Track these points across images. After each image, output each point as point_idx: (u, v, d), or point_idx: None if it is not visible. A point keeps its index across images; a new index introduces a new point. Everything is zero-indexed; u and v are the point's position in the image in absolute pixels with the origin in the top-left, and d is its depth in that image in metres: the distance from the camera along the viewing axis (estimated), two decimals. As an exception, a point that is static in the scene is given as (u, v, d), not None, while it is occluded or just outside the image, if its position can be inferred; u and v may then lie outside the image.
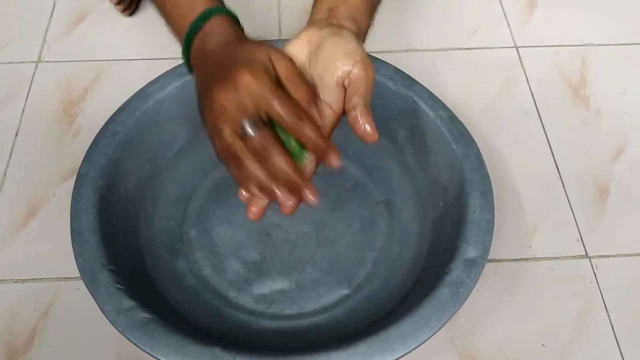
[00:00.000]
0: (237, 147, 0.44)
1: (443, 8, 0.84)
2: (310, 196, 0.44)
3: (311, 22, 0.53)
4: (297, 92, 0.45)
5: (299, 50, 0.49)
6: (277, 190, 0.45)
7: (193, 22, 0.52)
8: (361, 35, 0.52)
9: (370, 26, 0.55)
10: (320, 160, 0.46)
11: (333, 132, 0.49)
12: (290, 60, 0.47)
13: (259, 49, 0.47)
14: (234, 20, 0.54)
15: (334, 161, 0.44)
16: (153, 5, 0.60)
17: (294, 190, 0.45)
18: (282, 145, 0.45)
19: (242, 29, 0.55)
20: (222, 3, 0.55)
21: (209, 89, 0.46)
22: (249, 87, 0.43)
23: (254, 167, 0.44)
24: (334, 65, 0.47)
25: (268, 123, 0.45)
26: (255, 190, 0.46)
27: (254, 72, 0.44)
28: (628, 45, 0.80)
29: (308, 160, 0.47)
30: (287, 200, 0.45)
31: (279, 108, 0.43)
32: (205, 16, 0.52)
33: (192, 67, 0.54)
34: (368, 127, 0.47)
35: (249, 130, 0.43)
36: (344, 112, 0.48)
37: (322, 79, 0.47)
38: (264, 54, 0.46)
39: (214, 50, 0.50)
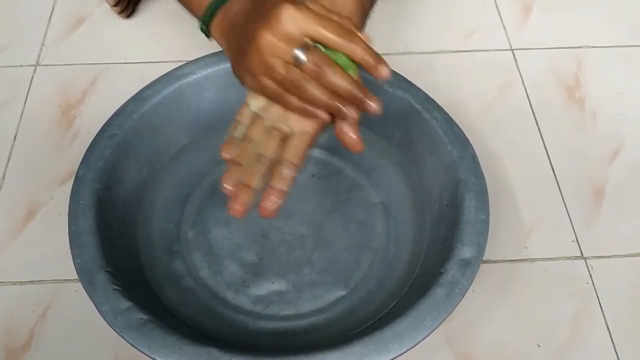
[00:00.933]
0: (294, 75, 0.45)
1: (439, 10, 0.84)
2: (373, 104, 0.45)
3: None
4: (339, 21, 0.46)
5: None
6: (343, 108, 0.45)
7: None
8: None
9: (363, 31, 0.56)
10: (371, 71, 0.46)
11: None
12: (323, 4, 0.47)
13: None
14: None
15: (385, 70, 0.45)
16: None
17: (359, 103, 0.45)
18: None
19: None
20: None
21: (250, 32, 0.46)
22: (294, 16, 0.44)
23: (316, 90, 0.45)
24: None
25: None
26: (322, 114, 0.46)
27: (295, 5, 0.44)
28: (623, 47, 0.81)
29: None
30: (354, 114, 0.46)
31: (326, 29, 0.44)
32: None
33: (218, 33, 0.54)
34: (353, 136, 0.48)
35: (302, 57, 0.44)
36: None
37: None
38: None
39: (245, 10, 0.50)
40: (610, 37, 0.82)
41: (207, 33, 0.55)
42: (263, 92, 0.48)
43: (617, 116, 0.74)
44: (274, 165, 0.49)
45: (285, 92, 0.46)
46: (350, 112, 0.46)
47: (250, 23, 0.47)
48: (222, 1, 0.52)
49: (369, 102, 0.45)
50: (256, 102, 0.50)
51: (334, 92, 0.45)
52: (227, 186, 0.48)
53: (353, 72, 0.46)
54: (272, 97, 0.48)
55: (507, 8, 0.85)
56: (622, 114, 0.74)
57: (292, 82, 0.45)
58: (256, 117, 0.50)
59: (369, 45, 0.46)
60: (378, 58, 0.45)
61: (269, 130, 0.49)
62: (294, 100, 0.46)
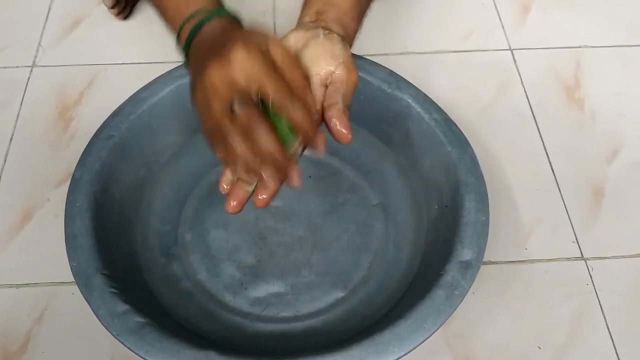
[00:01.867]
0: (225, 123, 0.43)
1: (438, 11, 0.84)
2: (294, 178, 0.43)
3: (299, 24, 0.53)
4: (292, 77, 0.44)
5: None
6: (262, 171, 0.43)
7: (193, 27, 0.51)
8: (348, 39, 0.52)
9: (358, 31, 0.55)
10: (307, 143, 0.45)
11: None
12: (286, 48, 0.46)
13: (256, 33, 0.46)
14: (234, 19, 0.53)
15: (321, 147, 0.44)
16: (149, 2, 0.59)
17: (279, 172, 0.43)
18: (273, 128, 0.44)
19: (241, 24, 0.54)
20: (221, 4, 0.54)
21: (203, 68, 0.45)
22: (243, 62, 0.42)
23: (240, 145, 0.42)
24: (317, 65, 0.47)
25: (260, 105, 0.44)
26: (241, 172, 0.44)
27: (249, 49, 0.43)
28: (622, 47, 0.80)
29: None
30: (272, 182, 0.43)
31: (271, 86, 0.42)
32: (205, 19, 0.51)
33: (189, 62, 0.53)
34: (342, 128, 0.47)
35: (238, 107, 0.42)
36: None
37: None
38: (261, 37, 0.45)
39: (211, 38, 0.50)
40: (609, 37, 0.81)
41: (186, 56, 0.53)
42: (201, 123, 0.46)
43: (617, 116, 0.74)
44: None
45: (215, 134, 0.44)
46: (269, 180, 0.43)
47: (208, 53, 0.46)
48: (199, 25, 0.51)
49: (290, 175, 0.43)
50: None
51: (258, 154, 0.43)
52: (225, 185, 0.48)
53: (291, 139, 0.44)
54: (205, 134, 0.46)
55: (506, 8, 0.85)
56: (622, 114, 0.74)
57: (222, 130, 0.43)
58: None
59: (312, 115, 0.44)
60: (315, 131, 0.44)
61: None
62: (220, 146, 0.44)
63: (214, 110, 0.43)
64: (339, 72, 0.47)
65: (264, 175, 0.43)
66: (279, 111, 0.43)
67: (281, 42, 0.47)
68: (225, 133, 0.43)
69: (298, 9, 0.56)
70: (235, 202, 0.47)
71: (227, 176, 0.48)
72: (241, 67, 0.43)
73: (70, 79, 0.76)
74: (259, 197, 0.45)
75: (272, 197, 0.46)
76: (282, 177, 0.44)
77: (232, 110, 0.42)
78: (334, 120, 0.46)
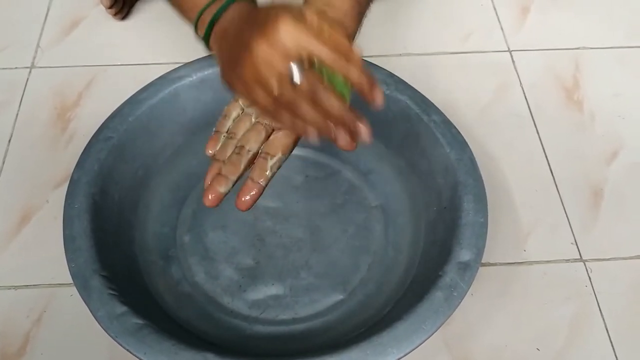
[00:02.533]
0: (288, 92, 0.43)
1: (437, 12, 0.84)
2: (364, 132, 0.44)
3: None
4: (336, 40, 0.44)
5: None
6: (335, 131, 0.43)
7: (215, 12, 0.51)
8: (342, 17, 0.52)
9: (358, 31, 0.55)
10: (364, 96, 0.44)
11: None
12: (320, 16, 0.45)
13: (288, 6, 0.45)
14: (252, 2, 0.53)
15: (379, 97, 0.44)
16: None
17: (349, 128, 0.44)
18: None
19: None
20: None
21: (245, 40, 0.44)
22: (292, 32, 0.42)
23: (309, 110, 0.43)
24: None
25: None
26: (312, 136, 0.45)
27: (294, 18, 0.43)
28: (621, 49, 0.80)
29: None
30: (344, 138, 0.44)
31: (323, 49, 0.43)
32: (227, 4, 0.51)
33: (213, 39, 0.53)
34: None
35: (298, 75, 0.43)
36: None
37: None
38: (295, 9, 0.45)
39: (239, 18, 0.49)
40: (608, 38, 0.81)
41: (207, 43, 0.53)
42: (254, 102, 0.46)
43: (616, 118, 0.74)
44: (255, 158, 0.49)
45: (276, 107, 0.45)
46: (341, 137, 0.44)
47: (245, 31, 0.46)
48: (221, 10, 0.51)
49: (360, 127, 0.44)
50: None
51: (327, 115, 0.43)
52: (207, 181, 0.48)
53: (347, 93, 0.45)
54: (263, 110, 0.46)
55: (505, 9, 0.85)
56: (621, 116, 0.74)
57: (286, 99, 0.43)
58: (243, 112, 0.51)
59: (366, 69, 0.44)
60: (373, 84, 0.44)
61: (254, 125, 0.50)
62: (285, 117, 0.45)
63: (272, 81, 0.43)
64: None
65: (336, 135, 0.44)
66: (335, 69, 0.43)
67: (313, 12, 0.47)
68: (292, 101, 0.43)
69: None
70: (212, 196, 0.48)
71: (211, 172, 0.49)
72: (292, 34, 0.42)
73: (69, 80, 0.76)
74: (242, 199, 0.47)
75: (255, 200, 0.47)
76: (352, 132, 0.44)
77: (291, 78, 0.43)
78: (362, 82, 0.45)
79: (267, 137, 0.49)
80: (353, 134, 0.44)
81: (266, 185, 0.48)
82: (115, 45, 0.79)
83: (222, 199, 0.48)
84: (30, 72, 0.77)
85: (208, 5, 0.52)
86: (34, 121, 0.72)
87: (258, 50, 0.43)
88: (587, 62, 0.79)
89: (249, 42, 0.44)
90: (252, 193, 0.47)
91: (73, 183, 0.55)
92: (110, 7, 0.79)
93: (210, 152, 0.51)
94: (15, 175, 0.67)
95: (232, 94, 0.49)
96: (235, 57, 0.46)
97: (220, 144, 0.51)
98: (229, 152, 0.50)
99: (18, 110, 0.73)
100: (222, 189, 0.48)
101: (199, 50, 0.62)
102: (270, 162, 0.48)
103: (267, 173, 0.48)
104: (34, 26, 0.81)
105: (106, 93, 0.74)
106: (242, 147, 0.49)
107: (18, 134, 0.71)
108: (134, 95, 0.61)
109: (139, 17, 0.82)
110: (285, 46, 0.43)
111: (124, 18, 0.82)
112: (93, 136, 0.58)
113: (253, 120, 0.50)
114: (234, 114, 0.52)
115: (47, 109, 0.73)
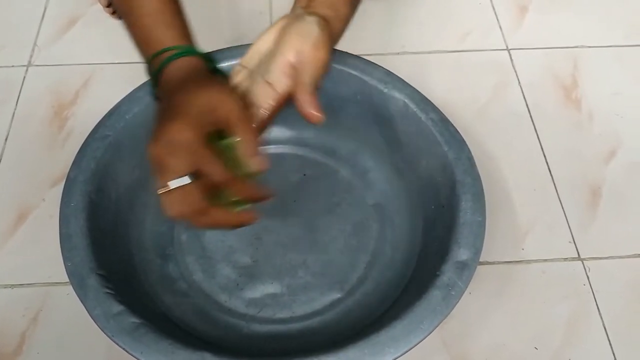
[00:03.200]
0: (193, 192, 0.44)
1: (435, 11, 0.84)
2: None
3: (290, 12, 0.53)
4: (241, 133, 0.45)
5: (268, 38, 0.50)
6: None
7: (162, 63, 0.51)
8: (338, 23, 0.52)
9: (352, 16, 0.55)
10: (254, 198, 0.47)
11: (276, 113, 0.49)
12: (237, 103, 0.47)
13: (204, 95, 0.46)
14: (202, 58, 0.53)
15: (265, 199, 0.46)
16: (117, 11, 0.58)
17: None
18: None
19: (212, 64, 0.54)
20: (190, 41, 0.54)
21: (156, 125, 0.46)
22: (180, 140, 0.43)
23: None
24: (286, 46, 0.48)
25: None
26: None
27: (185, 125, 0.44)
28: (619, 47, 0.80)
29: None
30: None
31: (209, 169, 0.44)
32: (173, 57, 0.51)
33: (158, 91, 0.53)
34: (310, 109, 0.47)
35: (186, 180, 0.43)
36: None
37: (274, 59, 0.48)
38: (205, 100, 0.46)
39: (174, 88, 0.50)
40: (606, 37, 0.81)
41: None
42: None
43: (614, 116, 0.74)
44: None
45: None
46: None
47: (161, 115, 0.47)
48: (164, 64, 0.51)
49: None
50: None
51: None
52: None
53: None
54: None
55: (503, 8, 0.85)
56: (619, 114, 0.74)
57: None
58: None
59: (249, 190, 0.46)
60: (257, 195, 0.46)
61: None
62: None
63: (168, 176, 0.44)
64: (307, 51, 0.47)
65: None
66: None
67: (231, 95, 0.47)
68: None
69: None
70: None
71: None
72: (179, 144, 0.43)
73: (66, 79, 0.75)
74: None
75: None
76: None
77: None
78: (299, 101, 0.47)
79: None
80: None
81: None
82: (112, 43, 0.79)
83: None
84: (27, 70, 0.76)
85: (157, 54, 0.52)
86: (31, 119, 0.72)
87: (161, 140, 0.44)
88: (585, 61, 0.79)
89: (159, 125, 0.45)
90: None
91: (69, 181, 0.55)
92: (108, 6, 0.79)
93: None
94: (12, 174, 0.67)
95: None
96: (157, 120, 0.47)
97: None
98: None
99: (15, 109, 0.72)
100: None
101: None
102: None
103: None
104: (31, 25, 0.81)
105: (103, 91, 0.74)
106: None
107: (15, 133, 0.70)
108: (130, 93, 0.61)
109: (137, 15, 0.82)
110: (177, 154, 0.43)
111: (121, 17, 0.81)
112: (90, 134, 0.58)
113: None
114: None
115: (44, 108, 0.73)
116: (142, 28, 0.54)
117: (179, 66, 0.51)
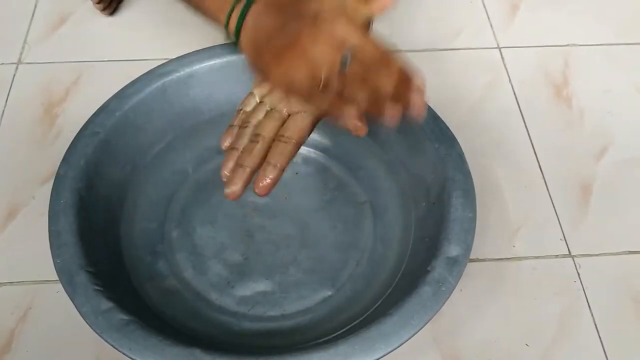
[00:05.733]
0: (337, 80, 0.45)
1: (426, 9, 0.84)
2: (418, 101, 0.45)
3: None
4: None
5: None
6: (385, 105, 0.45)
7: (242, 8, 0.50)
8: None
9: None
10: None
11: None
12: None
13: None
14: None
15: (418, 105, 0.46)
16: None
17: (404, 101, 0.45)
18: None
19: None
20: None
21: (294, 37, 0.46)
22: (344, 28, 0.45)
23: (359, 91, 0.45)
24: None
25: None
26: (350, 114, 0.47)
27: (343, 14, 0.46)
28: (610, 45, 0.81)
29: None
30: (393, 112, 0.46)
31: (370, 48, 0.45)
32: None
33: (246, 37, 0.51)
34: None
35: (348, 62, 0.45)
36: None
37: None
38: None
39: (275, 8, 0.49)
40: (597, 36, 0.82)
41: (237, 38, 0.52)
42: (296, 92, 0.47)
43: (605, 114, 0.74)
44: (272, 142, 0.49)
45: (322, 93, 0.46)
46: (393, 111, 0.45)
47: (290, 23, 0.47)
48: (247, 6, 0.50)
49: (414, 97, 0.45)
50: (261, 90, 0.51)
51: (377, 92, 0.45)
52: (225, 172, 0.48)
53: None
54: (307, 98, 0.47)
55: (495, 6, 0.85)
56: (610, 112, 0.74)
57: (333, 86, 0.45)
58: (258, 104, 0.51)
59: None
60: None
61: (269, 113, 0.50)
62: (335, 103, 0.46)
63: (327, 71, 0.45)
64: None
65: (389, 111, 0.45)
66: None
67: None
68: (339, 88, 0.45)
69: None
70: (234, 188, 0.47)
71: (228, 161, 0.49)
72: (343, 32, 0.45)
73: (56, 76, 0.75)
74: (261, 183, 0.47)
75: (274, 183, 0.48)
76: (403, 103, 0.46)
77: (342, 67, 0.45)
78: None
79: (283, 122, 0.49)
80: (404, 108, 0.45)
81: (284, 168, 0.48)
82: (103, 41, 0.79)
83: (244, 191, 0.48)
84: (17, 68, 0.76)
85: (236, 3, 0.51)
86: (21, 117, 0.71)
87: (311, 43, 0.45)
88: (576, 59, 0.79)
89: (299, 35, 0.45)
90: (271, 176, 0.48)
91: (59, 178, 0.55)
92: (99, 3, 0.78)
93: (226, 144, 0.50)
94: (1, 171, 0.67)
95: (266, 82, 0.50)
96: (279, 49, 0.47)
97: (234, 134, 0.51)
98: (245, 141, 0.50)
99: (4, 106, 0.72)
100: (241, 180, 0.48)
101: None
102: (289, 146, 0.48)
103: (285, 156, 0.48)
104: (21, 22, 0.81)
105: (94, 89, 0.73)
106: (257, 134, 0.49)
107: (4, 130, 0.70)
108: (121, 90, 0.60)
109: (128, 12, 0.82)
110: (339, 40, 0.45)
111: (112, 14, 0.81)
112: (79, 131, 0.58)
113: (268, 108, 0.50)
114: (249, 108, 0.52)
115: (34, 105, 0.72)
116: None
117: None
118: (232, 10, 0.51)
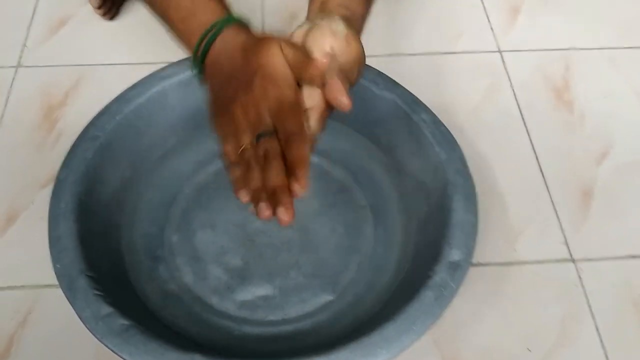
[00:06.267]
0: (251, 153, 0.47)
1: (427, 13, 0.84)
2: (284, 214, 0.46)
3: (306, 19, 0.53)
4: (306, 74, 0.47)
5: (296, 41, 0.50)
6: (262, 201, 0.47)
7: (208, 38, 0.51)
8: (355, 22, 0.53)
9: (367, 15, 0.55)
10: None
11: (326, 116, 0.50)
12: (295, 46, 0.48)
13: (270, 50, 0.47)
14: (243, 24, 0.53)
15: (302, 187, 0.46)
16: (151, 10, 0.59)
17: (277, 201, 0.46)
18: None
19: (250, 28, 0.54)
20: (228, 9, 0.54)
21: (231, 95, 0.47)
22: (272, 97, 0.46)
23: (257, 174, 0.47)
24: (318, 44, 0.48)
25: None
26: (245, 194, 0.48)
27: (274, 84, 0.46)
28: (611, 49, 0.80)
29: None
30: (265, 211, 0.47)
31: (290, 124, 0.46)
32: (218, 31, 0.51)
33: (206, 76, 0.53)
34: (337, 94, 0.47)
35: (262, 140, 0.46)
36: None
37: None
38: (277, 54, 0.47)
39: (231, 59, 0.50)
40: (598, 39, 0.82)
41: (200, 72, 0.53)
42: (224, 148, 0.49)
43: (606, 118, 0.74)
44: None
45: (236, 162, 0.48)
46: (265, 209, 0.47)
47: (232, 85, 0.48)
48: (214, 36, 0.51)
49: (282, 209, 0.46)
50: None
51: (266, 182, 0.46)
52: (243, 198, 0.49)
53: None
54: (227, 155, 0.49)
55: (495, 10, 0.85)
56: (611, 116, 0.74)
57: (247, 159, 0.47)
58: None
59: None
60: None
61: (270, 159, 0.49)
62: (235, 172, 0.48)
63: (244, 140, 0.47)
64: (339, 45, 0.48)
65: (262, 205, 0.47)
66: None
67: (289, 41, 0.49)
68: (250, 161, 0.47)
69: (286, 6, 0.56)
70: (268, 212, 0.48)
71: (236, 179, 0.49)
72: (271, 101, 0.46)
73: (56, 80, 0.75)
74: (283, 218, 0.47)
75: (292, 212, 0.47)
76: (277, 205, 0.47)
77: (256, 140, 0.47)
78: (327, 85, 0.47)
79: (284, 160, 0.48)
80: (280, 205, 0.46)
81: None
82: (103, 45, 0.79)
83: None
84: (16, 71, 0.76)
85: (204, 35, 0.52)
86: (20, 121, 0.71)
87: (243, 105, 0.47)
88: (577, 62, 0.79)
89: (238, 95, 0.47)
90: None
91: (59, 182, 0.55)
92: (99, 7, 0.78)
93: (246, 199, 0.49)
94: (1, 176, 0.67)
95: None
96: (220, 102, 0.49)
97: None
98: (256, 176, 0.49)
99: (4, 110, 0.72)
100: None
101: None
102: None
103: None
104: (21, 25, 0.80)
105: (93, 93, 0.73)
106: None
107: (4, 134, 0.70)
108: (121, 93, 0.60)
109: (128, 17, 0.82)
110: (262, 112, 0.46)
111: (112, 18, 0.81)
112: (79, 135, 0.58)
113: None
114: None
115: (33, 109, 0.72)
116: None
117: (228, 37, 0.51)
118: (202, 39, 0.52)
